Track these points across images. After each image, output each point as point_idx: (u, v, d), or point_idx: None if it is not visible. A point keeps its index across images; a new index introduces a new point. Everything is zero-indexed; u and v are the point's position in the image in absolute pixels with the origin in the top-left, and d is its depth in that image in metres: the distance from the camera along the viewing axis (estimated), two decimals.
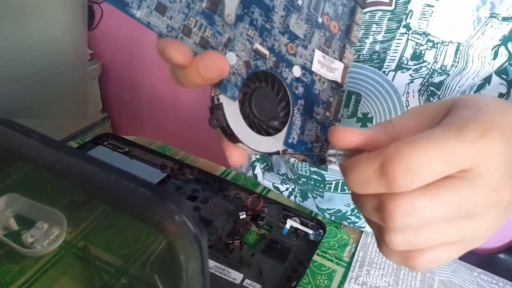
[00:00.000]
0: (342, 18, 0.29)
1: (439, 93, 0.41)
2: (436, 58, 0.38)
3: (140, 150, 0.61)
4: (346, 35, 0.30)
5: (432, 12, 0.36)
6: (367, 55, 0.40)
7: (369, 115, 0.43)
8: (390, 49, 0.39)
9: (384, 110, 0.42)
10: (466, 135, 0.19)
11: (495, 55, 0.39)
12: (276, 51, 0.25)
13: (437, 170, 0.19)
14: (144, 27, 0.19)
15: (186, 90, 1.32)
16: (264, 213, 0.52)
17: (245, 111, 0.24)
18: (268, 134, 0.25)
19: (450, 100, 0.23)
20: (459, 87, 0.41)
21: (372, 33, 0.38)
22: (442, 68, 0.39)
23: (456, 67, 0.39)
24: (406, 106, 0.42)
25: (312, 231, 0.50)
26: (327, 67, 0.29)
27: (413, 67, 0.39)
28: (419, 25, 0.37)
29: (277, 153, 0.26)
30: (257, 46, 0.24)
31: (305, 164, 0.51)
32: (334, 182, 0.51)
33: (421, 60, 0.39)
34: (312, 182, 0.52)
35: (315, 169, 0.51)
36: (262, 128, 0.25)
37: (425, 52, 0.38)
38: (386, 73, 0.40)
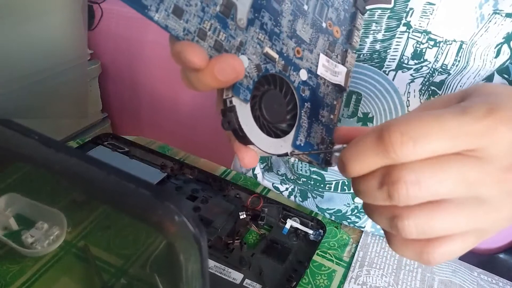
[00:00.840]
0: (344, 23, 0.30)
1: (440, 92, 0.41)
2: (437, 57, 0.38)
3: (140, 150, 0.61)
4: (348, 40, 0.30)
5: (433, 10, 0.36)
6: (368, 55, 0.40)
7: (370, 115, 0.43)
8: (390, 48, 0.39)
9: (385, 110, 0.42)
10: (470, 113, 0.19)
11: (498, 53, 0.39)
12: (285, 54, 0.26)
13: (438, 143, 0.19)
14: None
15: (186, 90, 1.32)
16: (264, 213, 0.52)
17: (255, 113, 0.24)
18: (276, 136, 0.26)
19: (461, 92, 0.22)
20: (460, 86, 0.41)
21: (372, 32, 0.38)
22: (443, 67, 0.39)
23: (457, 66, 0.39)
24: (407, 106, 0.42)
25: (312, 231, 0.50)
26: (331, 71, 0.29)
27: (414, 67, 0.39)
28: (420, 23, 0.37)
29: (285, 154, 0.26)
30: (267, 49, 0.24)
31: (305, 164, 0.51)
32: (334, 182, 0.51)
33: (421, 59, 0.38)
34: (312, 182, 0.52)
35: (315, 169, 0.51)
36: (271, 130, 0.25)
37: (425, 51, 0.38)
38: (387, 72, 0.40)
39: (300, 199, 0.57)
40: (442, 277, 0.48)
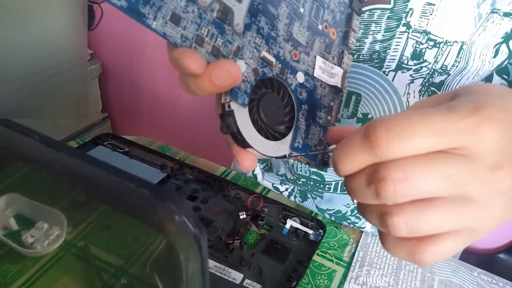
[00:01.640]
0: (340, 25, 0.30)
1: (439, 93, 0.41)
2: (437, 58, 0.38)
3: (140, 150, 0.61)
4: (344, 41, 0.31)
5: (433, 10, 0.36)
6: (367, 55, 0.40)
7: (369, 116, 0.43)
8: (390, 48, 0.39)
9: (385, 110, 0.42)
10: (456, 111, 0.19)
11: (496, 53, 0.39)
12: (281, 58, 0.26)
13: (423, 140, 0.19)
14: (144, 27, 0.20)
15: None
16: (264, 213, 0.52)
17: (253, 117, 0.24)
18: (275, 138, 0.26)
19: (451, 92, 0.22)
20: (460, 86, 0.41)
21: (371, 32, 0.38)
22: (443, 68, 0.39)
23: (457, 66, 0.39)
24: (407, 107, 0.42)
25: (312, 231, 0.50)
26: (328, 73, 0.30)
27: (414, 67, 0.39)
28: (419, 24, 0.37)
29: (284, 157, 0.26)
30: (264, 53, 0.25)
31: (304, 165, 0.51)
32: (333, 183, 0.51)
33: (421, 60, 0.38)
34: (312, 183, 0.52)
35: (314, 169, 0.51)
36: (269, 133, 0.25)
37: (425, 51, 0.38)
38: (386, 73, 0.40)
39: (300, 200, 0.57)
40: (442, 277, 0.48)
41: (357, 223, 0.54)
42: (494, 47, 0.38)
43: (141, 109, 1.51)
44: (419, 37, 0.37)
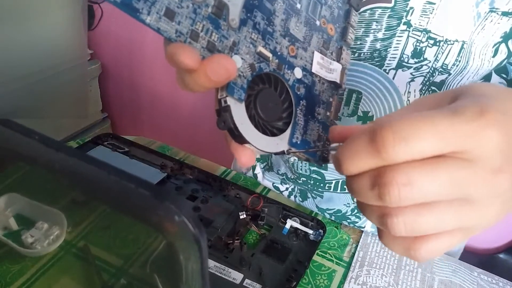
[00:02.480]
0: (338, 20, 0.30)
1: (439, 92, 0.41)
2: (437, 57, 0.38)
3: (140, 150, 0.61)
4: (342, 37, 0.31)
5: (433, 9, 0.36)
6: (368, 53, 0.40)
7: (370, 114, 0.43)
8: (390, 47, 0.39)
9: (385, 108, 0.42)
10: (462, 115, 0.19)
11: (495, 53, 0.39)
12: (278, 53, 0.26)
13: (430, 144, 0.19)
14: (144, 27, 0.20)
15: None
16: (264, 213, 0.52)
17: (250, 112, 0.24)
18: (273, 134, 0.26)
19: (452, 91, 0.23)
20: (460, 86, 0.41)
21: (372, 31, 0.38)
22: (443, 67, 0.39)
23: (457, 66, 0.39)
24: None
25: (312, 231, 0.50)
26: (326, 68, 0.30)
27: (414, 65, 0.39)
28: (419, 22, 0.37)
29: (282, 152, 0.26)
30: (261, 49, 0.25)
31: (305, 163, 0.51)
32: (334, 182, 0.51)
33: (421, 58, 0.39)
34: (312, 182, 0.52)
35: (315, 168, 0.51)
36: (267, 129, 0.25)
37: (425, 50, 0.38)
38: (387, 71, 0.40)
39: (300, 199, 0.57)
40: (442, 277, 0.48)
41: (357, 222, 0.54)
42: (493, 47, 0.38)
43: (141, 109, 1.51)
44: (419, 36, 0.37)
